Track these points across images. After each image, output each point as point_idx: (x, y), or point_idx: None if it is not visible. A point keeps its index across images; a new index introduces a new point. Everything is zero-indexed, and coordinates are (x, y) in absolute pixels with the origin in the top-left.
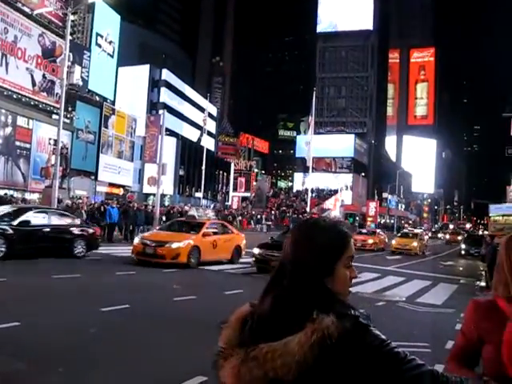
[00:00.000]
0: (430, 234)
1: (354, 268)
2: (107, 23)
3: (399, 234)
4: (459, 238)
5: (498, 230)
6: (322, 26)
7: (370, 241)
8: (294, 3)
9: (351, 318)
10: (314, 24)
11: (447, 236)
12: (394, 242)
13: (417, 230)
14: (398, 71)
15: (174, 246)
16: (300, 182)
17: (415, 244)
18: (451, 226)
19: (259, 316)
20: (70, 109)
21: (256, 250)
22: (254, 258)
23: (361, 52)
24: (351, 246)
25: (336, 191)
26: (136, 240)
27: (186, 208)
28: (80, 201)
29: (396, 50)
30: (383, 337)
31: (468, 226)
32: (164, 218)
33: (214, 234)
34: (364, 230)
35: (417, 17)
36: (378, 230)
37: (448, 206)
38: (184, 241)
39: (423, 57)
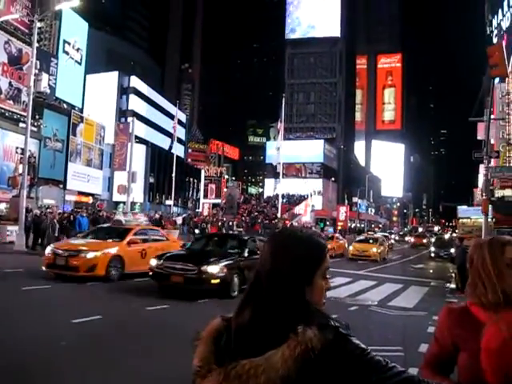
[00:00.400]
0: (397, 238)
1: (328, 279)
2: (75, 30)
3: (357, 240)
4: (425, 240)
5: (466, 233)
6: (291, 33)
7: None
8: (263, 10)
9: (332, 328)
10: (282, 30)
11: (412, 239)
12: (351, 247)
13: (377, 235)
14: (366, 77)
15: (90, 255)
16: (270, 187)
17: (374, 250)
18: (420, 229)
19: (237, 330)
20: (37, 117)
21: (153, 261)
22: (150, 272)
23: (329, 58)
24: (328, 257)
25: (306, 197)
26: (47, 249)
27: (118, 216)
28: (50, 210)
29: (364, 56)
30: (364, 346)
31: (436, 228)
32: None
33: (144, 241)
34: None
35: (384, 23)
36: (336, 235)
37: (417, 210)
38: (103, 250)
39: (390, 62)
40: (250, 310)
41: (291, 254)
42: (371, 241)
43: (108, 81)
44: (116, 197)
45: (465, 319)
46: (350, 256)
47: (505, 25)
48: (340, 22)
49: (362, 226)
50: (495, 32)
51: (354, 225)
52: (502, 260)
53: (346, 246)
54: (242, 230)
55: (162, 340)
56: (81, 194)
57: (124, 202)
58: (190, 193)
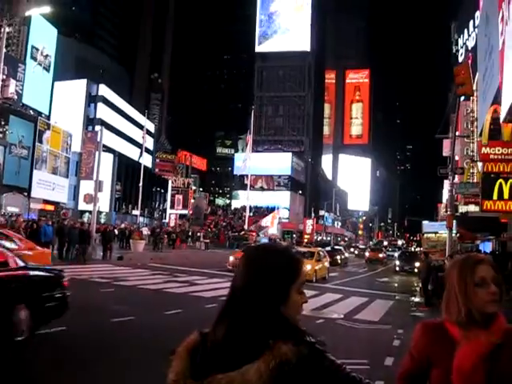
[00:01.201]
0: (356, 252)
1: (304, 293)
2: (43, 36)
3: None
4: (381, 255)
5: (431, 247)
6: (261, 46)
7: None
8: (234, 22)
9: (308, 344)
10: (252, 43)
11: (366, 253)
12: None
13: (315, 248)
14: (334, 91)
15: None
16: (238, 199)
17: (309, 267)
18: (385, 243)
19: (213, 344)
20: (2, 123)
21: None
22: None
23: (298, 72)
24: (303, 271)
25: (273, 209)
26: None
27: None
28: (14, 218)
29: (332, 71)
30: (339, 362)
31: (400, 242)
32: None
33: None
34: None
35: (352, 39)
36: None
37: (382, 223)
38: None
39: (358, 78)
40: (226, 325)
41: (267, 270)
42: (306, 254)
43: (76, 88)
44: (82, 206)
45: (439, 336)
46: None
47: (470, 44)
48: (310, 37)
49: (329, 239)
50: (461, 51)
51: (320, 238)
52: (472, 279)
53: (348, 256)
54: (208, 241)
55: (128, 352)
56: (46, 202)
57: (90, 211)
58: (157, 203)
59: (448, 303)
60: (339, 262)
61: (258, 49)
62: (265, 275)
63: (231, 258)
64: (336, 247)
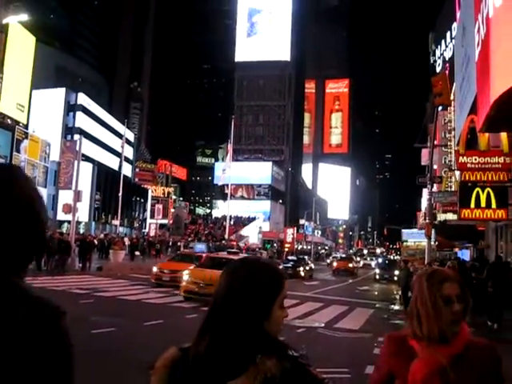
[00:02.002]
0: (328, 261)
1: (285, 308)
2: (22, 44)
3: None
4: (351, 265)
5: (410, 255)
6: (240, 55)
7: None
8: (214, 31)
9: (291, 358)
10: (232, 53)
11: (334, 263)
12: (185, 277)
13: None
14: (314, 101)
15: None
16: (218, 208)
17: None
18: (365, 251)
19: (194, 360)
20: None
21: None
22: None
23: (278, 81)
24: (286, 286)
25: (254, 218)
26: None
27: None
28: None
29: (312, 81)
30: (322, 376)
31: (379, 250)
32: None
33: None
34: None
35: (332, 49)
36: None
37: (362, 232)
38: None
39: (338, 88)
40: (208, 340)
41: (251, 286)
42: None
43: (55, 97)
44: (60, 216)
45: (402, 348)
46: (182, 294)
47: (447, 55)
48: (290, 46)
49: (309, 248)
50: (438, 61)
51: (301, 247)
52: (440, 296)
53: (313, 267)
54: (188, 251)
55: (108, 365)
56: None
57: (69, 221)
58: (137, 213)
59: (415, 318)
60: (302, 274)
61: (238, 58)
62: (249, 291)
63: (154, 269)
64: (300, 257)
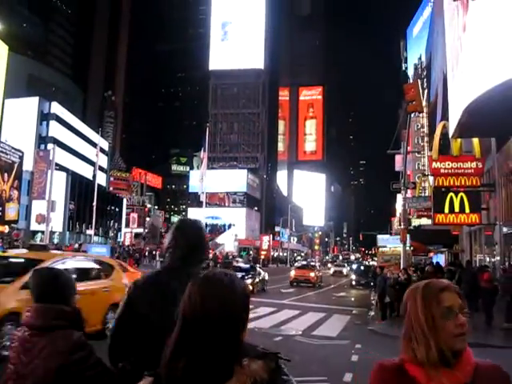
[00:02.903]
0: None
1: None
2: None
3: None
4: (312, 274)
5: (385, 261)
6: (215, 64)
7: None
8: (188, 40)
9: (272, 356)
10: (207, 61)
11: (292, 272)
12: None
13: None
14: (288, 108)
15: None
16: (193, 216)
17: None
18: (341, 257)
19: (170, 383)
20: None
21: None
22: None
23: (252, 89)
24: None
25: (230, 226)
26: None
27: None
28: None
29: (286, 88)
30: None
31: (353, 257)
32: None
33: None
34: None
35: (306, 57)
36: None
37: (338, 238)
38: None
39: (312, 95)
40: (184, 361)
41: (229, 306)
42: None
43: (28, 106)
44: (34, 226)
45: (400, 379)
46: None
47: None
48: (264, 54)
49: (285, 254)
50: (410, 68)
51: (277, 254)
52: (438, 309)
53: (267, 278)
54: (163, 259)
55: None
56: None
57: (43, 232)
58: (112, 222)
59: (411, 340)
60: (251, 288)
61: (212, 66)
62: (229, 311)
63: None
64: (252, 265)
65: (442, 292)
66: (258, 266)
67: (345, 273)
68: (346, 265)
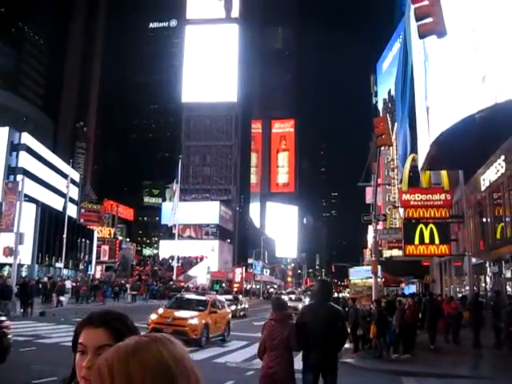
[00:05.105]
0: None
1: None
2: None
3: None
4: (193, 322)
5: (357, 293)
6: (188, 96)
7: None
8: (161, 72)
9: None
10: (179, 93)
11: (153, 315)
12: None
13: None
14: (261, 141)
15: None
16: (165, 249)
17: (195, 321)
18: (300, 289)
19: None
20: None
21: None
22: None
23: (225, 122)
24: None
25: (202, 258)
26: None
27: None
28: None
29: (259, 121)
30: None
31: None
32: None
33: None
34: None
35: (278, 90)
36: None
37: (311, 270)
38: None
39: (284, 128)
40: None
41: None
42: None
43: None
44: (1, 259)
45: None
46: None
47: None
48: (237, 88)
49: (258, 287)
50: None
51: (250, 286)
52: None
53: (247, 306)
54: (135, 293)
55: None
56: None
57: (10, 264)
58: (82, 254)
59: None
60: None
61: (185, 99)
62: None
63: None
64: (233, 296)
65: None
66: (240, 296)
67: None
68: (303, 298)
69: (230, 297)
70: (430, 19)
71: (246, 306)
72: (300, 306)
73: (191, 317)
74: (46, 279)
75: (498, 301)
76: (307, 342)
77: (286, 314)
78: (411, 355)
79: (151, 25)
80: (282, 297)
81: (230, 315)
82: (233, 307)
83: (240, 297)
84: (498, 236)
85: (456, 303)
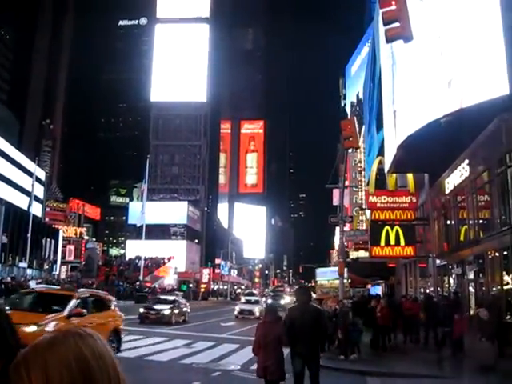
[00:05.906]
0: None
1: None
2: None
3: None
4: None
5: (324, 293)
6: (157, 95)
7: None
8: (130, 70)
9: None
10: (148, 92)
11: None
12: None
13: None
14: (230, 141)
15: None
16: (132, 249)
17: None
18: (288, 289)
19: None
20: None
21: None
22: None
23: (194, 122)
24: None
25: (169, 258)
26: None
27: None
28: None
29: (228, 121)
30: None
31: (288, 289)
32: None
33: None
34: None
35: (248, 91)
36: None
37: (278, 271)
38: None
39: (253, 129)
40: None
41: None
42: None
43: None
44: None
45: None
46: None
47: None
48: (206, 88)
49: (225, 287)
50: (348, 105)
51: (217, 287)
52: None
53: (188, 310)
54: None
55: None
56: None
57: None
58: (47, 254)
59: None
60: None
61: (154, 98)
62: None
63: None
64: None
65: None
66: (181, 299)
67: (257, 314)
68: (260, 300)
69: (171, 298)
70: (397, 24)
71: (188, 309)
72: (256, 310)
73: (27, 324)
74: (9, 279)
75: (453, 302)
76: (295, 336)
77: (277, 317)
78: (359, 356)
79: (121, 22)
80: (240, 297)
81: (119, 321)
82: (167, 311)
83: (179, 298)
84: (462, 238)
85: (412, 304)
